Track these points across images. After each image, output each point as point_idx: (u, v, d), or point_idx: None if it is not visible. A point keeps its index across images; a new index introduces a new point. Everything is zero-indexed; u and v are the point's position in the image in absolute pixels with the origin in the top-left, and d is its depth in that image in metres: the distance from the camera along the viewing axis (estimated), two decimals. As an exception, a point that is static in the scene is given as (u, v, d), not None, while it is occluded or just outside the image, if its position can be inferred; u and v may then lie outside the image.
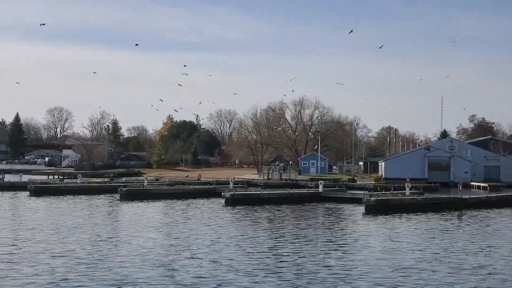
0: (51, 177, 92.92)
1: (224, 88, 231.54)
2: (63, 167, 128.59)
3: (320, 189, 55.40)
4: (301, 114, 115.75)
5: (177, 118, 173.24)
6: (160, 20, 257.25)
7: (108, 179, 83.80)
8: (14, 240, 26.31)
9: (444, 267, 21.57)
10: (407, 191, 51.27)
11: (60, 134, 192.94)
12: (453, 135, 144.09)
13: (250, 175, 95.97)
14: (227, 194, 48.37)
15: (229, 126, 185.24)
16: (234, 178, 72.98)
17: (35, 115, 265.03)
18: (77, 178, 72.85)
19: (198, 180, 76.60)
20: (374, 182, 78.19)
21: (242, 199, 47.99)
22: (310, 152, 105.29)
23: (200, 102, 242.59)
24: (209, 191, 58.75)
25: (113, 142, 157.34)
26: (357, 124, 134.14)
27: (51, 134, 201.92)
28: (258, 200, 48.44)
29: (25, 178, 74.26)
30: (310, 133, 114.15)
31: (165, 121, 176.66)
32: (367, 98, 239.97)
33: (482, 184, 74.63)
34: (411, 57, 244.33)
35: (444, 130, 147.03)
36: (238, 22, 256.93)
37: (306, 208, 45.48)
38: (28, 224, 32.40)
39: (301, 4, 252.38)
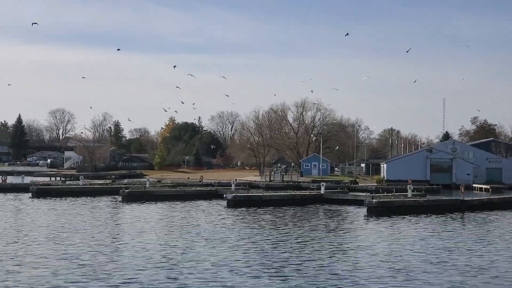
0: (53, 178, 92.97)
1: (225, 89, 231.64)
2: (65, 169, 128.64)
3: (322, 191, 55.36)
4: (303, 116, 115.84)
5: (179, 120, 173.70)
6: (160, 21, 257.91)
7: (110, 181, 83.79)
8: (17, 242, 26.33)
9: (446, 270, 21.54)
10: (409, 193, 51.28)
11: (62, 135, 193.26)
12: (455, 137, 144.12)
13: (252, 177, 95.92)
14: (229, 196, 48.35)
15: (231, 128, 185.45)
16: (236, 180, 72.97)
17: (37, 117, 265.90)
18: (79, 179, 72.87)
19: (200, 181, 76.59)
20: (376, 184, 78.16)
21: (244, 201, 47.97)
22: (312, 154, 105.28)
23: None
24: (211, 193, 58.77)
25: (115, 143, 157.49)
26: (359, 126, 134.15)
27: (53, 135, 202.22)
28: (260, 202, 48.41)
29: (27, 179, 74.28)
30: (312, 135, 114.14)
31: (167, 122, 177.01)
32: (365, 99, 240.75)
33: (484, 186, 74.54)
34: (412, 58, 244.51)
35: (446, 132, 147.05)
36: (238, 23, 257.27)
37: (308, 210, 45.47)
38: (30, 226, 32.44)
39: (301, 4, 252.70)
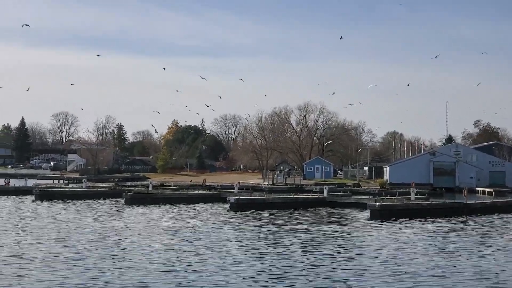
0: (56, 181, 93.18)
1: (227, 92, 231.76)
2: (68, 172, 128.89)
3: (325, 194, 55.33)
4: (306, 119, 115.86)
5: (182, 122, 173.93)
6: (162, 24, 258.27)
7: (113, 184, 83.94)
8: (20, 245, 26.33)
9: (450, 274, 21.48)
10: (412, 196, 51.22)
11: (66, 138, 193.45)
12: (458, 140, 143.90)
13: (255, 180, 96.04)
14: (232, 199, 48.37)
15: (234, 131, 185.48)
16: (239, 183, 72.98)
17: (41, 120, 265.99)
18: (82, 182, 72.96)
19: (203, 184, 76.63)
20: (379, 187, 78.11)
21: (246, 204, 47.96)
22: (315, 157, 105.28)
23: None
24: (214, 196, 58.75)
25: (118, 146, 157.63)
26: (362, 129, 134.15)
27: (57, 138, 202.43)
28: (263, 205, 48.38)
29: (30, 182, 74.36)
30: (315, 138, 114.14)
31: (170, 125, 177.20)
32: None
33: (487, 190, 74.43)
34: (414, 61, 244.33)
35: (450, 135, 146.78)
36: (241, 26, 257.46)
37: (311, 213, 45.44)
38: (33, 229, 32.43)
39: (303, 7, 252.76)
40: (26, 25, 35.19)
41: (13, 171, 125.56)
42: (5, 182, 68.86)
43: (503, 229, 36.97)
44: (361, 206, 48.16)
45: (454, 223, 39.64)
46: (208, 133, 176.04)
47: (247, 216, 42.20)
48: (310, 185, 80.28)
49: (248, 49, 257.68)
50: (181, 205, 50.74)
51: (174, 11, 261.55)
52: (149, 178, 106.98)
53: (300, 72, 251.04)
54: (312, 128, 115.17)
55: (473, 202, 49.27)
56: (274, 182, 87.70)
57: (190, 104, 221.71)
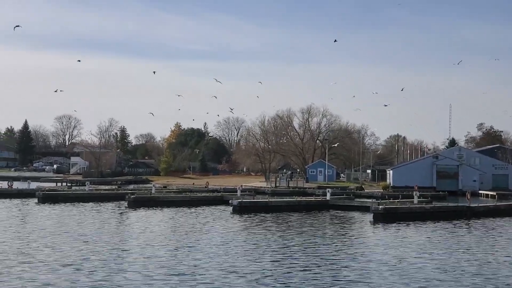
0: (59, 184, 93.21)
1: (231, 96, 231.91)
2: (71, 175, 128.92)
3: (328, 197, 55.28)
4: (308, 122, 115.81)
5: (185, 125, 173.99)
6: (166, 28, 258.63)
7: (116, 187, 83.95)
8: (23, 248, 26.37)
9: (454, 277, 21.47)
10: (415, 200, 51.11)
11: (69, 141, 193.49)
12: (461, 143, 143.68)
13: (257, 182, 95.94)
14: (235, 202, 48.38)
15: (237, 134, 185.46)
16: (241, 185, 72.97)
17: (44, 123, 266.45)
18: (85, 185, 73.04)
19: (205, 187, 76.63)
20: (382, 190, 77.95)
21: (249, 207, 47.97)
22: (317, 160, 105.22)
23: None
24: (216, 199, 58.78)
25: (121, 149, 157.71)
26: (365, 132, 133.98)
27: (60, 141, 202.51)
28: (266, 208, 48.40)
29: (34, 185, 74.44)
30: (317, 141, 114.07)
31: (173, 128, 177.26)
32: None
33: (490, 193, 74.28)
34: (417, 65, 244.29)
35: (453, 139, 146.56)
36: (245, 30, 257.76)
37: (314, 216, 45.41)
38: (36, 232, 32.49)
39: (307, 11, 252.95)
40: (17, 26, 35.06)
41: (16, 174, 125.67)
42: (8, 184, 68.99)
43: (506, 232, 36.89)
44: (364, 209, 48.13)
45: (457, 227, 39.56)
46: (211, 136, 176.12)
47: (250, 219, 42.19)
48: (313, 188, 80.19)
49: (252, 52, 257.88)
50: (184, 208, 50.74)
51: (178, 15, 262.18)
52: (152, 181, 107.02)
53: (303, 75, 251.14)
54: (315, 131, 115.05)
55: (476, 205, 49.20)
56: (277, 185, 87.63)
57: (193, 108, 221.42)
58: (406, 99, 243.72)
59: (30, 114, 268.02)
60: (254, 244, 28.79)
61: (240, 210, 46.86)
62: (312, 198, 58.26)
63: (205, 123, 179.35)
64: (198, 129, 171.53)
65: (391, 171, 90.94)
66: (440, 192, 74.63)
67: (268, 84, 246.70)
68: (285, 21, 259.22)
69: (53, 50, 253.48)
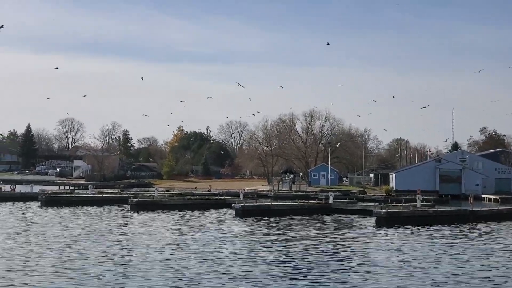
0: (62, 187, 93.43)
1: (235, 99, 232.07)
2: (74, 178, 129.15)
3: (331, 200, 55.30)
4: (311, 125, 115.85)
5: (188, 129, 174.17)
6: (170, 31, 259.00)
7: (119, 190, 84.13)
8: (26, 252, 26.38)
9: (457, 282, 21.41)
10: (418, 203, 51.08)
11: (71, 145, 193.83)
12: (464, 147, 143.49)
13: (260, 186, 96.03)
14: (237, 205, 48.40)
15: (240, 138, 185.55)
16: (244, 189, 73.03)
17: (47, 126, 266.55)
18: (88, 188, 73.16)
19: (208, 191, 76.68)
20: (384, 194, 77.94)
21: (252, 211, 47.97)
22: (320, 163, 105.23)
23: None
24: (219, 202, 58.78)
25: (123, 153, 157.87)
26: (367, 136, 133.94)
27: (62, 145, 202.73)
28: (268, 212, 48.39)
29: (36, 188, 74.63)
30: (320, 145, 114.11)
31: (175, 132, 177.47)
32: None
33: (493, 197, 74.19)
34: (420, 68, 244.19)
35: (455, 142, 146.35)
36: (249, 33, 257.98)
37: (316, 220, 45.39)
38: (39, 235, 32.51)
39: (311, 15, 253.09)
40: (1, 26, 35.02)
41: (19, 177, 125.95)
42: (11, 188, 69.13)
43: (509, 236, 36.83)
44: (367, 213, 48.10)
45: (460, 231, 39.51)
46: (213, 140, 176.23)
47: (253, 222, 42.20)
48: (316, 191, 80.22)
49: (254, 56, 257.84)
50: (187, 212, 50.76)
51: (180, 18, 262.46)
52: (154, 184, 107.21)
53: (306, 78, 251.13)
54: (317, 135, 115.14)
55: (479, 209, 49.14)
56: (280, 188, 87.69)
57: (196, 111, 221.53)
58: (407, 102, 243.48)
59: (33, 118, 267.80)
60: (256, 248, 28.78)
61: (243, 213, 46.86)
62: (315, 202, 58.24)
63: (208, 126, 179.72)
64: (201, 132, 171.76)
65: (394, 175, 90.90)
66: (443, 196, 74.57)
67: (271, 87, 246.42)
68: (288, 25, 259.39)
69: (55, 53, 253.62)
